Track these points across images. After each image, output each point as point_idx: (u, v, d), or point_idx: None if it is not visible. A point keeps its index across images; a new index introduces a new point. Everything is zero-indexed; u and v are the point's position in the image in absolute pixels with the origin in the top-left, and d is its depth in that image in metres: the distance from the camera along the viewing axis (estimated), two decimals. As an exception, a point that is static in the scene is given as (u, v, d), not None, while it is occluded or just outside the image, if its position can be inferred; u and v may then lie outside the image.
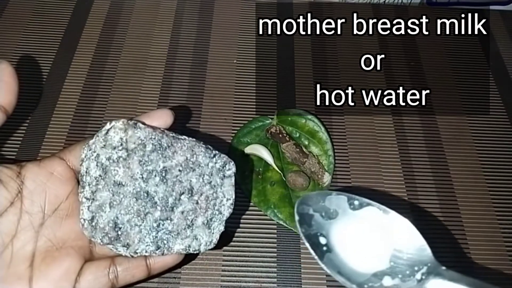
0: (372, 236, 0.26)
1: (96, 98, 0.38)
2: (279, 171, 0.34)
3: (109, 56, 0.41)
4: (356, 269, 0.26)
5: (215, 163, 0.26)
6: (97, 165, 0.24)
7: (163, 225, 0.25)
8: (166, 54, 0.41)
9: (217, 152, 0.27)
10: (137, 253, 0.25)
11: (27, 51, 0.40)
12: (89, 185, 0.24)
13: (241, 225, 0.32)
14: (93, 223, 0.24)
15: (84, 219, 0.24)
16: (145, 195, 0.25)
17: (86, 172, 0.24)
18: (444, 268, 0.24)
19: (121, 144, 0.25)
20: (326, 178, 0.33)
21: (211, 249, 0.27)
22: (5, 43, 0.41)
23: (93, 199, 0.24)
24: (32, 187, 0.24)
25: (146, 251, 0.25)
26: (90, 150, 0.25)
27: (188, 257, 0.28)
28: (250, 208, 0.33)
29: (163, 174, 0.25)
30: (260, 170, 0.34)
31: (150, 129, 0.25)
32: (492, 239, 0.32)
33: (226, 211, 0.26)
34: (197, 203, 0.26)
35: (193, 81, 0.40)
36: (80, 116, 0.37)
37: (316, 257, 0.26)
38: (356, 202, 0.27)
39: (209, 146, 0.27)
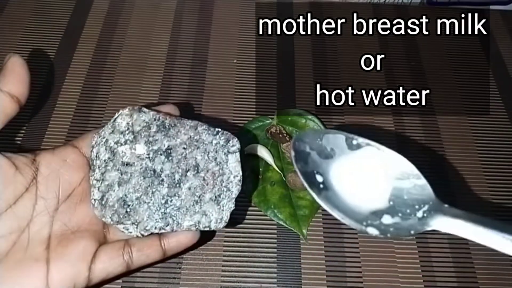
0: (370, 176, 0.26)
1: (95, 98, 0.38)
2: (279, 171, 0.34)
3: (109, 56, 0.41)
4: (353, 207, 0.25)
5: (219, 139, 0.27)
6: (106, 149, 0.26)
7: (171, 201, 0.25)
8: (165, 54, 0.41)
9: (219, 129, 0.27)
10: (147, 230, 0.25)
11: (26, 50, 0.40)
12: (98, 167, 0.26)
13: (241, 225, 0.32)
14: (103, 202, 0.25)
15: (94, 199, 0.25)
16: (152, 173, 0.26)
17: (96, 156, 0.26)
18: (447, 205, 0.23)
19: (128, 128, 0.26)
20: (326, 178, 0.33)
21: (225, 227, 0.26)
22: (4, 42, 0.41)
23: (102, 179, 0.25)
24: (46, 173, 0.25)
25: (155, 227, 0.25)
26: (99, 137, 0.26)
27: (192, 247, 0.28)
28: (250, 208, 0.33)
29: (169, 152, 0.26)
30: (260, 170, 0.34)
31: (154, 112, 0.27)
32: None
33: (234, 188, 0.26)
34: (204, 179, 0.26)
35: (193, 81, 0.40)
36: (80, 116, 0.37)
37: (312, 192, 0.25)
38: (354, 142, 0.26)
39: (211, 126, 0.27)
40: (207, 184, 0.26)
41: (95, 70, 0.40)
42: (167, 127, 0.27)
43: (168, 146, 0.26)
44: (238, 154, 0.27)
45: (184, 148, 0.26)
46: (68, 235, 0.25)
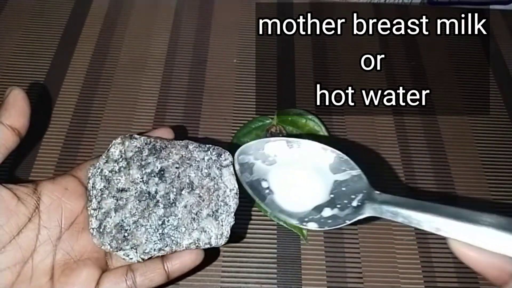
0: (311, 174, 0.27)
1: (94, 97, 0.38)
2: (279, 171, 0.34)
3: (108, 56, 0.41)
4: (297, 206, 0.27)
5: (211, 155, 0.27)
6: (101, 179, 0.26)
7: (168, 221, 0.25)
8: (165, 54, 0.41)
9: (210, 145, 0.27)
10: (146, 253, 0.25)
11: (25, 51, 0.40)
12: (95, 197, 0.26)
13: (241, 225, 0.32)
14: (101, 229, 0.25)
15: (93, 228, 0.25)
16: (147, 195, 0.25)
17: (92, 187, 0.26)
18: (377, 192, 0.24)
19: (121, 156, 0.26)
20: (327, 178, 0.33)
21: (226, 243, 0.26)
22: (3, 43, 0.41)
23: (99, 208, 0.25)
24: (48, 202, 0.25)
25: (154, 249, 0.25)
26: (95, 168, 0.26)
27: (196, 268, 0.27)
28: (250, 208, 0.33)
29: (162, 173, 0.26)
30: (260, 170, 0.34)
31: (145, 137, 0.27)
32: (493, 239, 0.32)
33: (232, 202, 0.26)
34: (199, 196, 0.26)
35: (193, 81, 0.40)
36: (79, 114, 0.37)
37: (257, 200, 0.27)
38: (295, 145, 0.27)
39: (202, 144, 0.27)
40: (203, 200, 0.26)
41: (94, 70, 0.40)
42: (158, 149, 0.27)
43: (161, 168, 0.26)
44: (231, 168, 0.27)
45: (176, 167, 0.26)
46: (71, 264, 0.25)
